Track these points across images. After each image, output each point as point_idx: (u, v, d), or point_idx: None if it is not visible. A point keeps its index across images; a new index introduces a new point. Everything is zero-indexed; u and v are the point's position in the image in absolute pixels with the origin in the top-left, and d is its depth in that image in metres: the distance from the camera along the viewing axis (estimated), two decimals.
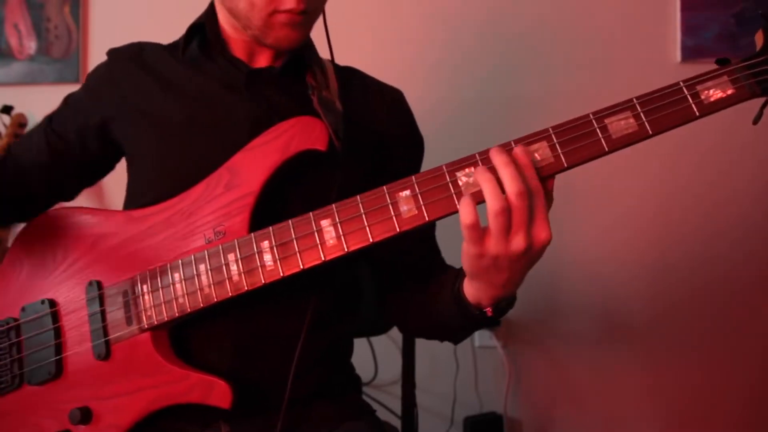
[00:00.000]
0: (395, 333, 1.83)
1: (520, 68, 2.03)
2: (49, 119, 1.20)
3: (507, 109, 2.01)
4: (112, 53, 1.20)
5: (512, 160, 0.81)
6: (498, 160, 0.82)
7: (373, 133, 1.16)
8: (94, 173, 1.25)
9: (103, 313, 1.02)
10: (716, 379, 2.03)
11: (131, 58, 1.16)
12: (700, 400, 2.04)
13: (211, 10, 1.14)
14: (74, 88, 1.24)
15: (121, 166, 1.22)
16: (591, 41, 2.02)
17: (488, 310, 0.93)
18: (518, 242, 0.81)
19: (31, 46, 2.14)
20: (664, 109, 0.84)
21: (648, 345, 2.05)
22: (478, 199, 0.82)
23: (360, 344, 1.88)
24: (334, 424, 1.10)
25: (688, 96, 0.83)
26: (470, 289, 0.93)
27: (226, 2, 1.07)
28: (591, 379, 2.06)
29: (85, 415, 1.00)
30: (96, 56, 2.13)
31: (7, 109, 2.01)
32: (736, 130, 1.97)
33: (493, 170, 0.82)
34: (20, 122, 2.02)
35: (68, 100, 1.22)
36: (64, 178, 1.21)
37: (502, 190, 0.80)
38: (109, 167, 1.25)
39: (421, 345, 1.71)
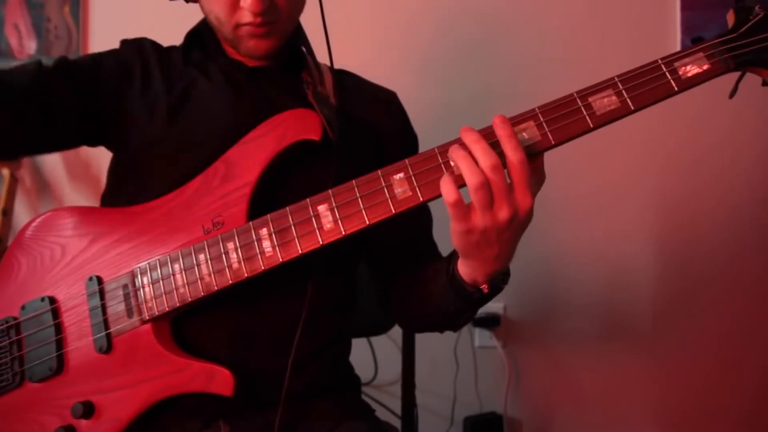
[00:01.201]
0: (395, 333, 1.83)
1: (517, 67, 2.05)
2: (64, 62, 1.15)
3: (503, 108, 2.00)
4: (127, 43, 1.20)
5: (480, 136, 0.84)
6: (468, 138, 0.85)
7: (368, 129, 1.19)
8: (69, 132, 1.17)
9: (103, 306, 1.02)
10: (717, 378, 2.03)
11: (147, 52, 1.18)
12: (700, 400, 2.04)
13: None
14: None
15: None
16: (591, 41, 2.04)
17: (484, 287, 0.94)
18: (503, 213, 0.83)
19: (31, 46, 2.15)
20: (645, 86, 0.88)
21: (648, 345, 2.05)
22: (461, 181, 0.85)
23: (360, 344, 1.88)
24: (333, 423, 1.09)
25: (667, 72, 0.88)
26: (465, 269, 0.94)
27: (207, 17, 1.12)
28: (591, 379, 2.06)
29: (88, 410, 1.00)
30: None
31: None
32: (736, 129, 1.99)
33: (467, 147, 0.84)
34: None
35: (93, 55, 1.19)
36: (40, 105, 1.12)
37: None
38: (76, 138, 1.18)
39: (421, 345, 1.71)
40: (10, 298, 1.09)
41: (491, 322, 2.04)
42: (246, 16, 1.03)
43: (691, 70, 0.87)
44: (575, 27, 2.04)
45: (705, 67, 0.87)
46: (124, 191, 1.13)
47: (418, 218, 1.21)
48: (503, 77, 2.05)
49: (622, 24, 2.03)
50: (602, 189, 2.05)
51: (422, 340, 1.71)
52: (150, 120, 1.12)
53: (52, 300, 1.06)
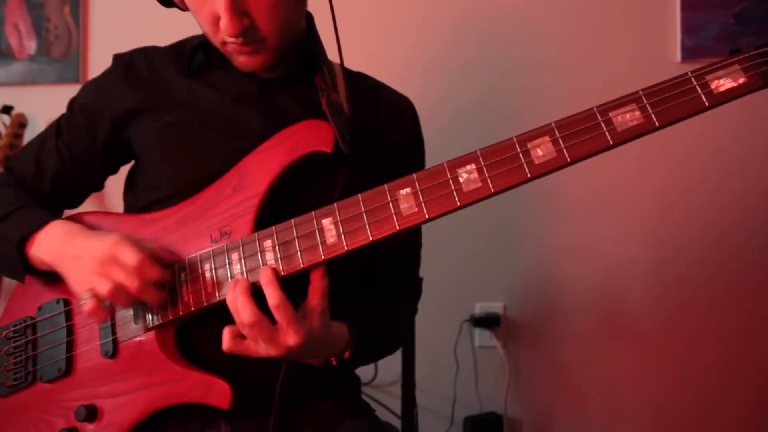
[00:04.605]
0: None
1: (521, 68, 2.04)
2: (57, 131, 1.19)
3: (507, 109, 2.02)
4: (119, 58, 1.19)
5: (241, 289, 0.90)
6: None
7: (379, 138, 1.18)
8: (103, 176, 1.24)
9: (112, 311, 1.03)
10: (718, 379, 2.03)
11: (138, 65, 1.17)
12: (700, 401, 2.04)
13: None
14: (74, 88, 1.23)
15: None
16: (591, 41, 2.03)
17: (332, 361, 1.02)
18: (271, 350, 0.90)
19: (31, 46, 2.14)
20: (672, 101, 0.81)
21: (648, 345, 2.05)
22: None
23: None
24: (334, 423, 1.10)
25: (697, 86, 0.80)
26: None
27: None
28: (591, 379, 2.06)
29: (91, 413, 1.01)
30: (96, 56, 2.14)
31: (7, 109, 2.01)
32: (740, 132, 1.98)
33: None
34: (20, 122, 2.02)
35: (73, 107, 1.20)
36: (74, 186, 1.21)
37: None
38: (116, 169, 1.24)
39: (421, 345, 1.71)
40: (31, 298, 1.11)
41: (491, 322, 2.03)
42: (225, 36, 1.01)
43: (725, 83, 0.79)
44: (575, 27, 2.03)
45: (741, 80, 0.79)
46: (136, 203, 1.15)
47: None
48: (505, 78, 2.04)
49: (622, 24, 2.02)
50: (604, 190, 2.04)
51: (422, 340, 1.71)
52: (158, 137, 1.11)
53: (67, 302, 1.08)
